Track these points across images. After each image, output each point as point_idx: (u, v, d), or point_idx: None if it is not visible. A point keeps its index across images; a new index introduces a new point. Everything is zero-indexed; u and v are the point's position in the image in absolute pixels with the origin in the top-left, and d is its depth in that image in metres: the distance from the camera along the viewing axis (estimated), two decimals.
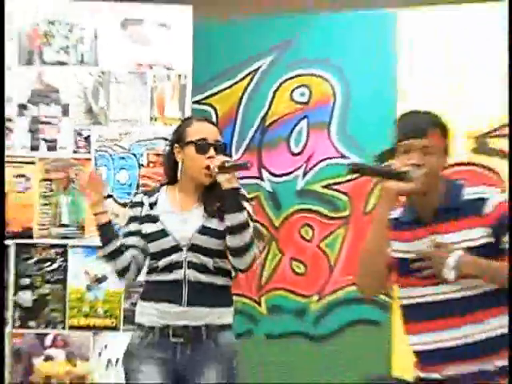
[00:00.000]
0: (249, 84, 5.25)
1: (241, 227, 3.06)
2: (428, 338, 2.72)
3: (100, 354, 4.74)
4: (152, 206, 3.27)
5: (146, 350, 3.21)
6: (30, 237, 4.76)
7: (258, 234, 5.13)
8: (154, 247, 3.20)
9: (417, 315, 2.72)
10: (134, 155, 4.76)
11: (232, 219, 3.06)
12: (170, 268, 3.18)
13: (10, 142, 4.72)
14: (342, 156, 5.02)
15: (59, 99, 4.78)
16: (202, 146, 3.12)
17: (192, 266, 3.17)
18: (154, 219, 3.23)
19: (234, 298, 4.52)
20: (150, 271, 3.28)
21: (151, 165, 4.75)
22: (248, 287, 5.28)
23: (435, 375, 2.75)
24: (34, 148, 4.79)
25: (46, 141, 4.80)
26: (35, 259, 4.77)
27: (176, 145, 3.23)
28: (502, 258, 2.59)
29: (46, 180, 4.80)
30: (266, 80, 5.24)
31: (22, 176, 4.79)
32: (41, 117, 4.80)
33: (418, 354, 2.78)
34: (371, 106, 5.04)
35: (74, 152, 4.74)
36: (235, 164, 3.22)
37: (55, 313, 4.77)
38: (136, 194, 3.65)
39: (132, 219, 3.34)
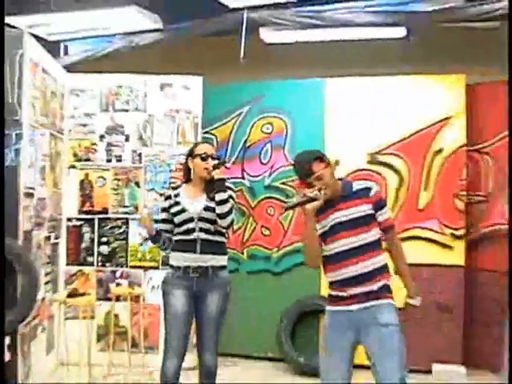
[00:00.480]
0: (236, 122, 6.82)
1: (224, 201, 4.16)
2: (337, 273, 3.63)
3: (148, 282, 6.31)
4: (176, 196, 4.32)
5: (175, 280, 4.28)
6: (106, 213, 6.40)
7: (239, 210, 6.57)
8: (177, 220, 4.26)
9: (330, 260, 3.65)
10: (168, 165, 6.33)
11: (219, 196, 4.15)
12: (188, 232, 4.25)
13: (94, 157, 6.36)
14: (291, 164, 5.37)
15: (123, 131, 6.39)
16: (203, 157, 4.25)
17: (201, 230, 4.23)
18: (177, 204, 4.28)
19: (229, 250, 5.51)
20: (177, 234, 4.30)
21: (177, 170, 6.13)
22: (236, 244, 6.77)
23: (342, 293, 3.63)
24: (109, 160, 6.41)
25: (115, 156, 6.41)
26: (109, 226, 6.40)
27: (189, 157, 4.35)
28: (374, 223, 3.62)
29: (115, 179, 6.39)
30: (246, 120, 6.80)
31: (102, 177, 6.40)
32: (112, 142, 6.40)
33: (330, 282, 3.71)
34: (308, 134, 6.54)
35: (133, 163, 6.38)
36: (219, 163, 4.24)
37: (121, 258, 6.38)
38: (167, 189, 4.82)
39: (163, 209, 4.37)
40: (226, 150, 6.89)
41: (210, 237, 4.27)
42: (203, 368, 4.45)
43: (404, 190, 6.37)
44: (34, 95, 5.36)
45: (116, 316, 6.22)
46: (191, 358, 4.96)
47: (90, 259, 6.44)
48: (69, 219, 6.42)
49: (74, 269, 6.41)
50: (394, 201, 6.35)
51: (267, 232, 6.79)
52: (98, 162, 6.45)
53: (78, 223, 6.40)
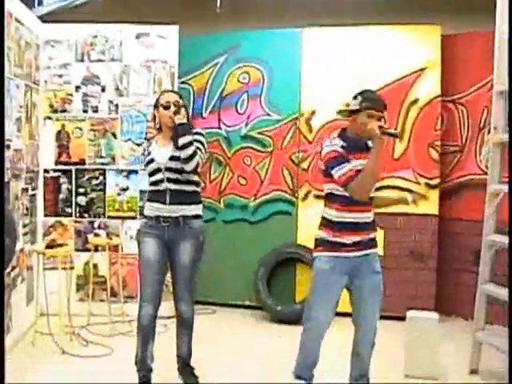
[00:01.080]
0: (212, 72, 6.76)
1: (186, 145, 4.14)
2: (348, 215, 3.80)
3: (126, 232, 6.34)
4: (149, 146, 4.41)
5: (148, 229, 4.34)
6: (84, 164, 6.34)
7: (216, 160, 6.68)
8: (148, 170, 4.32)
9: (346, 201, 3.78)
10: (144, 115, 6.23)
11: (181, 141, 4.14)
12: (157, 182, 4.27)
13: (70, 108, 6.27)
14: (268, 114, 6.59)
15: (100, 82, 6.30)
16: (166, 106, 4.27)
17: (169, 180, 4.23)
18: (149, 154, 4.34)
19: (206, 199, 6.00)
20: (150, 185, 4.36)
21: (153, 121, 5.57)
22: (213, 193, 6.81)
23: (344, 240, 3.82)
24: (85, 111, 6.31)
25: (92, 107, 6.31)
26: (86, 177, 6.33)
27: (155, 108, 4.36)
28: None
29: (92, 130, 6.32)
30: (222, 70, 6.72)
31: (78, 128, 6.32)
32: (88, 92, 6.30)
33: (331, 224, 3.85)
34: (284, 85, 6.54)
35: (109, 113, 6.31)
36: (178, 108, 4.24)
37: (99, 208, 6.37)
38: (143, 142, 4.85)
39: (143, 154, 4.47)
40: (203, 99, 6.86)
41: (180, 187, 4.28)
42: (180, 318, 4.53)
43: None
44: (8, 46, 5.22)
45: (95, 266, 6.25)
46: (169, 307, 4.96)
47: (68, 210, 6.42)
48: (46, 170, 6.36)
49: (52, 220, 6.38)
50: None
51: (244, 181, 6.80)
52: (75, 113, 6.37)
53: (56, 174, 6.36)
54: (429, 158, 6.30)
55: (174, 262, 4.37)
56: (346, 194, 3.76)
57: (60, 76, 6.30)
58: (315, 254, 3.98)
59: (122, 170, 6.35)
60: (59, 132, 6.34)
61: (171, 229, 4.29)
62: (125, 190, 5.86)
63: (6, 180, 5.17)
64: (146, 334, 4.40)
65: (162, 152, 4.30)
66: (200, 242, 4.38)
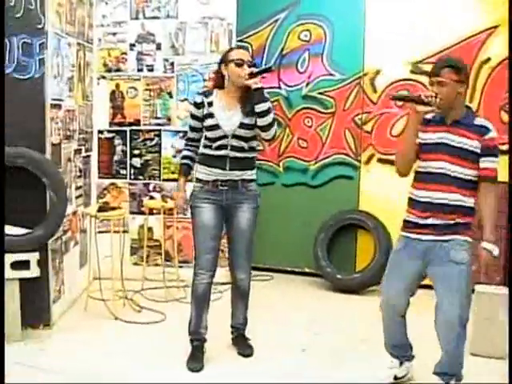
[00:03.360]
0: (272, 29, 6.44)
1: (266, 112, 3.97)
2: (420, 193, 3.55)
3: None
4: (210, 104, 4.08)
5: (203, 194, 4.16)
6: (138, 125, 6.14)
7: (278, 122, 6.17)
8: (211, 134, 4.08)
9: (419, 178, 3.58)
10: (201, 74, 5.99)
11: (260, 108, 3.94)
12: (219, 148, 4.08)
13: (125, 67, 6.05)
14: (330, 74, 6.27)
15: (155, 40, 6.03)
16: (239, 63, 3.97)
17: (233, 148, 4.06)
18: (211, 116, 4.06)
19: (265, 163, 6.00)
20: (207, 147, 4.15)
21: (211, 80, 5.06)
22: (272, 156, 6.56)
23: (417, 220, 3.57)
24: (140, 70, 6.08)
25: (147, 66, 6.07)
26: (141, 138, 6.14)
27: (223, 64, 4.06)
28: (475, 165, 3.44)
29: (147, 90, 6.09)
30: (282, 27, 6.40)
31: (133, 88, 6.09)
32: (143, 51, 6.05)
33: (410, 201, 3.63)
34: (347, 43, 6.18)
35: (164, 72, 6.05)
36: (259, 70, 3.99)
37: (154, 171, 6.16)
38: (197, 94, 4.29)
39: (194, 117, 4.18)
40: (262, 58, 6.54)
41: (242, 154, 4.11)
42: (235, 285, 4.40)
43: None
44: (58, 2, 4.99)
45: (150, 229, 6.13)
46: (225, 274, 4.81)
47: (122, 172, 6.24)
48: (100, 131, 6.17)
49: (107, 182, 6.21)
50: None
51: (304, 144, 6.51)
52: (129, 72, 6.14)
53: (110, 135, 6.18)
54: (500, 122, 5.78)
55: (231, 227, 4.25)
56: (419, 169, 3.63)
57: (114, 34, 6.07)
58: None
59: (178, 131, 6.09)
60: (113, 92, 6.14)
61: (229, 192, 4.14)
62: (181, 151, 5.31)
63: (57, 141, 5.01)
64: (201, 302, 4.27)
65: (229, 117, 4.08)
66: (257, 206, 4.25)
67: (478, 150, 3.45)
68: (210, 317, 4.33)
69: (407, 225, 3.65)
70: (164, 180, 6.20)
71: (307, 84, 6.43)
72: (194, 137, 4.29)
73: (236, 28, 6.12)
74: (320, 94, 6.39)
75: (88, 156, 5.95)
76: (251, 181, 4.19)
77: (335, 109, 6.34)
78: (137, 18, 6.07)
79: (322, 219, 6.29)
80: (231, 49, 4.28)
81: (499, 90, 5.80)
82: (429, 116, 3.59)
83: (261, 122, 4.00)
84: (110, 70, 6.11)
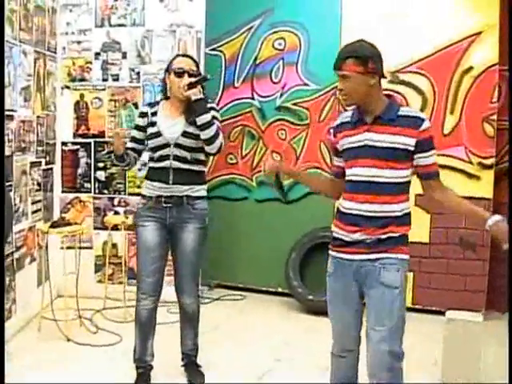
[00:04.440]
0: (245, 38, 6.18)
1: (207, 124, 3.74)
2: (346, 204, 3.09)
3: None
4: (153, 114, 3.90)
5: (147, 211, 3.92)
6: (103, 136, 5.89)
7: (248, 133, 6.13)
8: (152, 144, 3.86)
9: (350, 187, 3.07)
10: None
11: (201, 120, 3.73)
12: (161, 159, 3.84)
13: (89, 76, 5.82)
14: (305, 84, 6.00)
15: (120, 48, 5.80)
16: (178, 73, 3.77)
17: (175, 158, 3.80)
18: (153, 124, 3.87)
19: (238, 176, 5.78)
20: (151, 160, 3.95)
21: None
22: (245, 170, 6.27)
23: (345, 237, 3.09)
24: (105, 79, 5.85)
25: (112, 75, 5.84)
26: (106, 151, 5.87)
27: (167, 72, 3.88)
28: (408, 164, 2.97)
29: (112, 100, 5.87)
30: (256, 35, 6.15)
31: (98, 98, 5.88)
32: (109, 60, 5.82)
33: (337, 213, 3.17)
34: (322, 51, 5.81)
35: (130, 82, 5.81)
36: (197, 80, 3.77)
37: (119, 185, 5.94)
38: (143, 106, 4.36)
39: (137, 127, 4.01)
40: (235, 68, 6.31)
41: (185, 166, 3.86)
42: (183, 311, 4.14)
43: (428, 112, 5.57)
44: (10, 8, 4.78)
45: (114, 246, 5.97)
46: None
47: (86, 186, 6.00)
48: (64, 143, 5.94)
49: (70, 196, 5.97)
50: None
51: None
52: (94, 82, 5.92)
53: (74, 147, 5.95)
54: (483, 135, 5.50)
55: (175, 248, 3.97)
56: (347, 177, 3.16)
57: (78, 43, 5.85)
58: None
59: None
60: (78, 102, 5.92)
61: (173, 210, 3.87)
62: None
63: (8, 153, 4.80)
64: (145, 329, 4.06)
65: (171, 125, 3.86)
66: (204, 226, 3.97)
67: (411, 147, 2.95)
68: (169, 337, 4.24)
69: (335, 242, 3.16)
70: (129, 194, 5.96)
71: (281, 94, 6.17)
72: (135, 147, 4.04)
73: (208, 36, 5.99)
74: (294, 104, 6.14)
75: (49, 169, 5.73)
76: (199, 198, 3.92)
77: (310, 120, 6.08)
78: (102, 26, 5.84)
79: (295, 236, 5.99)
80: (175, 57, 4.01)
81: (482, 100, 5.51)
82: (342, 119, 3.19)
83: (203, 134, 3.77)
84: (74, 80, 5.88)
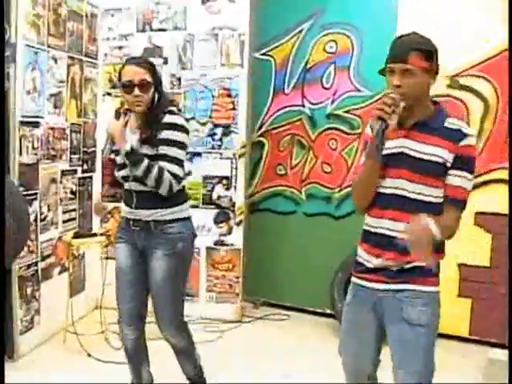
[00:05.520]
0: (295, 41, 5.87)
1: (144, 176, 3.30)
2: (374, 220, 2.73)
3: None
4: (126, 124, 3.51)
5: (120, 232, 3.59)
6: None
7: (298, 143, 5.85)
8: (117, 160, 3.55)
9: (378, 201, 2.71)
10: (210, 90, 5.55)
11: (136, 172, 3.33)
12: (124, 179, 3.47)
13: None
14: (357, 90, 5.65)
15: (161, 53, 5.64)
16: (126, 85, 3.33)
17: (135, 179, 3.38)
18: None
19: (286, 189, 5.60)
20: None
21: (220, 96, 5.50)
22: (294, 181, 5.96)
23: (366, 262, 2.78)
24: None
25: None
26: None
27: (119, 85, 3.45)
28: (440, 178, 2.60)
29: None
30: (306, 38, 5.82)
31: None
32: None
33: (363, 233, 2.84)
34: (377, 54, 5.70)
35: (171, 88, 5.58)
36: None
37: None
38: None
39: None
40: (285, 73, 5.96)
41: (146, 188, 3.39)
42: (171, 346, 3.74)
43: (490, 119, 5.08)
44: (36, 13, 4.67)
45: None
46: None
47: None
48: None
49: (111, 206, 5.69)
50: (478, 133, 5.05)
51: (328, 169, 5.85)
52: None
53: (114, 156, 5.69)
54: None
55: (147, 276, 3.53)
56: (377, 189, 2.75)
57: (120, 48, 5.70)
58: None
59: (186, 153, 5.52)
60: (118, 109, 5.62)
61: (142, 235, 3.48)
62: (187, 174, 4.91)
63: (33, 161, 4.71)
64: (133, 359, 3.75)
65: (129, 141, 3.39)
66: (177, 252, 3.46)
67: (449, 163, 2.58)
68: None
69: (357, 267, 2.81)
70: None
71: (332, 101, 5.79)
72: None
73: (257, 40, 5.79)
74: (346, 112, 5.75)
75: (87, 177, 5.61)
76: (171, 221, 3.45)
77: (362, 129, 5.57)
78: (143, 31, 5.67)
79: (342, 255, 5.42)
80: (123, 64, 3.49)
81: None
82: None
83: (149, 181, 3.34)
84: (115, 87, 5.65)
